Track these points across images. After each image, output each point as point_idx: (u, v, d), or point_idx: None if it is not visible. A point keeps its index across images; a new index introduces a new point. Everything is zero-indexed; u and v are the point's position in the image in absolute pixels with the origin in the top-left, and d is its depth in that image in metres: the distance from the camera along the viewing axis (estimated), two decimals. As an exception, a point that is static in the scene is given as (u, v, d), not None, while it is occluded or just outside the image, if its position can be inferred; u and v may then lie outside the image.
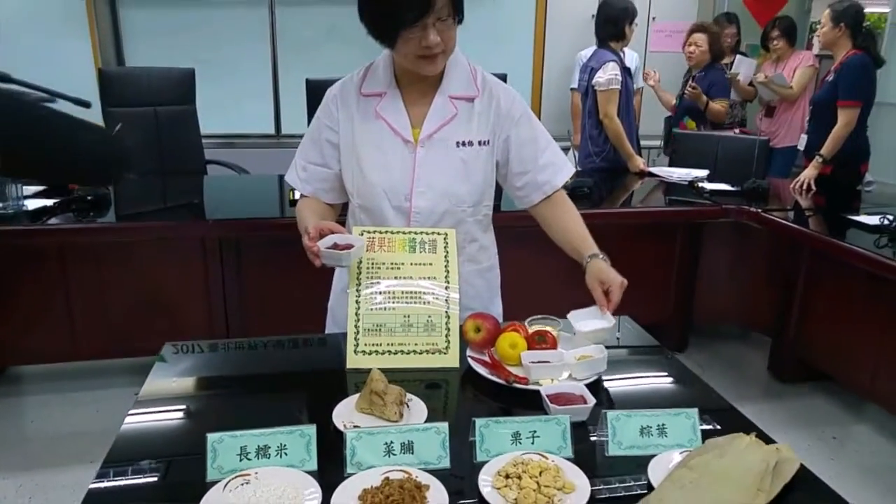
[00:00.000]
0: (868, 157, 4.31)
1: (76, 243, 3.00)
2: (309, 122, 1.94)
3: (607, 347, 1.61)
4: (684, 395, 1.61)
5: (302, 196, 1.92)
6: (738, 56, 5.36)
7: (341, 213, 1.95)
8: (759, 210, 3.47)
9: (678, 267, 3.80)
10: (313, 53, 5.50)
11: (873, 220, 3.14)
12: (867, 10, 7.22)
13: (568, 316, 1.74)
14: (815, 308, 3.45)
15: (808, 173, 3.98)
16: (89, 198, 3.09)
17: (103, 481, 1.23)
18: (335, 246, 1.61)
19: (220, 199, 3.62)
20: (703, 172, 4.10)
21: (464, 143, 1.80)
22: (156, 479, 1.25)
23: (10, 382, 3.62)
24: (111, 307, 3.16)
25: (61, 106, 0.98)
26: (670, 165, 4.47)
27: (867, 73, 4.02)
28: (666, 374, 1.72)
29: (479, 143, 1.81)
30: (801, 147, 4.38)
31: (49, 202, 3.08)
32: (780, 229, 3.41)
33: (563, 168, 1.93)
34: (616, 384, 1.61)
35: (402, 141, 1.79)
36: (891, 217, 3.05)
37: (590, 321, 1.70)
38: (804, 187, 3.94)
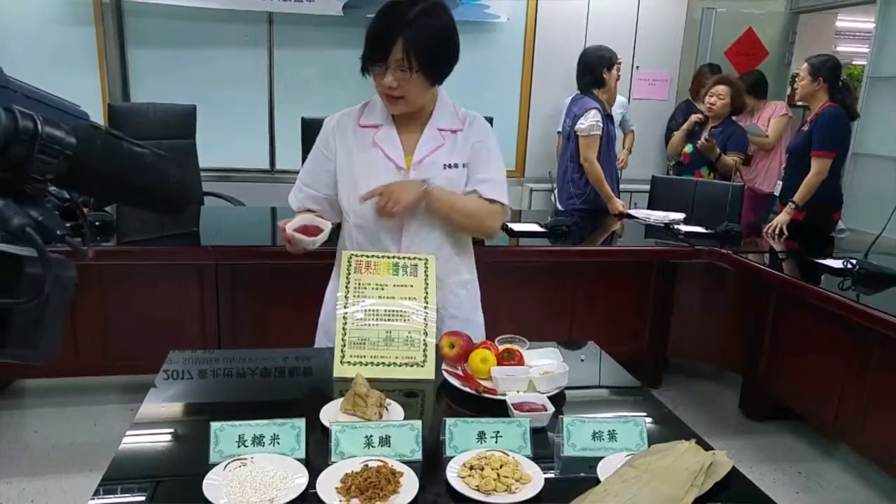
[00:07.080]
0: (840, 205, 4.38)
1: (81, 265, 3.06)
2: (303, 157, 2.16)
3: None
4: (655, 427, 1.63)
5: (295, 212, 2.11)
6: None
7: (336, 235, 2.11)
8: (730, 252, 3.55)
9: (653, 305, 3.87)
10: (308, 93, 5.64)
11: (837, 263, 3.24)
12: (854, 62, 7.44)
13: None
14: (783, 348, 3.51)
15: (781, 218, 4.05)
16: (96, 223, 3.22)
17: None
18: (304, 230, 1.88)
19: (216, 227, 3.75)
20: (680, 215, 4.18)
21: (450, 166, 2.02)
22: (164, 459, 1.44)
23: (14, 395, 3.73)
24: (111, 326, 3.27)
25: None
26: (649, 208, 4.55)
27: (841, 125, 4.09)
28: (641, 406, 1.78)
29: (462, 165, 2.04)
30: (777, 193, 4.45)
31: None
32: (748, 269, 3.49)
33: (499, 191, 2.07)
34: (584, 411, 1.67)
35: (396, 167, 2.00)
36: (854, 261, 3.14)
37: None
38: (776, 231, 4.01)
